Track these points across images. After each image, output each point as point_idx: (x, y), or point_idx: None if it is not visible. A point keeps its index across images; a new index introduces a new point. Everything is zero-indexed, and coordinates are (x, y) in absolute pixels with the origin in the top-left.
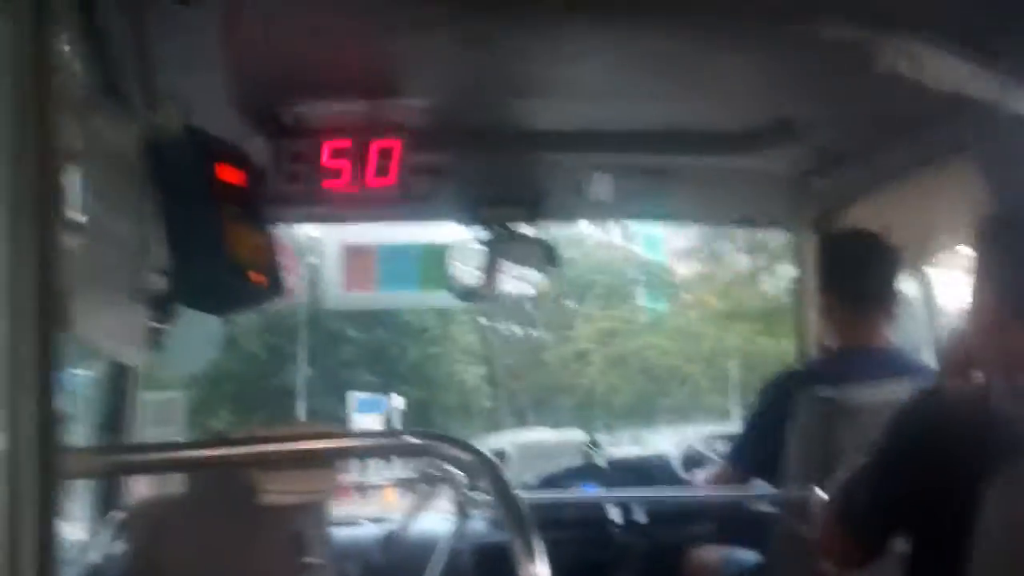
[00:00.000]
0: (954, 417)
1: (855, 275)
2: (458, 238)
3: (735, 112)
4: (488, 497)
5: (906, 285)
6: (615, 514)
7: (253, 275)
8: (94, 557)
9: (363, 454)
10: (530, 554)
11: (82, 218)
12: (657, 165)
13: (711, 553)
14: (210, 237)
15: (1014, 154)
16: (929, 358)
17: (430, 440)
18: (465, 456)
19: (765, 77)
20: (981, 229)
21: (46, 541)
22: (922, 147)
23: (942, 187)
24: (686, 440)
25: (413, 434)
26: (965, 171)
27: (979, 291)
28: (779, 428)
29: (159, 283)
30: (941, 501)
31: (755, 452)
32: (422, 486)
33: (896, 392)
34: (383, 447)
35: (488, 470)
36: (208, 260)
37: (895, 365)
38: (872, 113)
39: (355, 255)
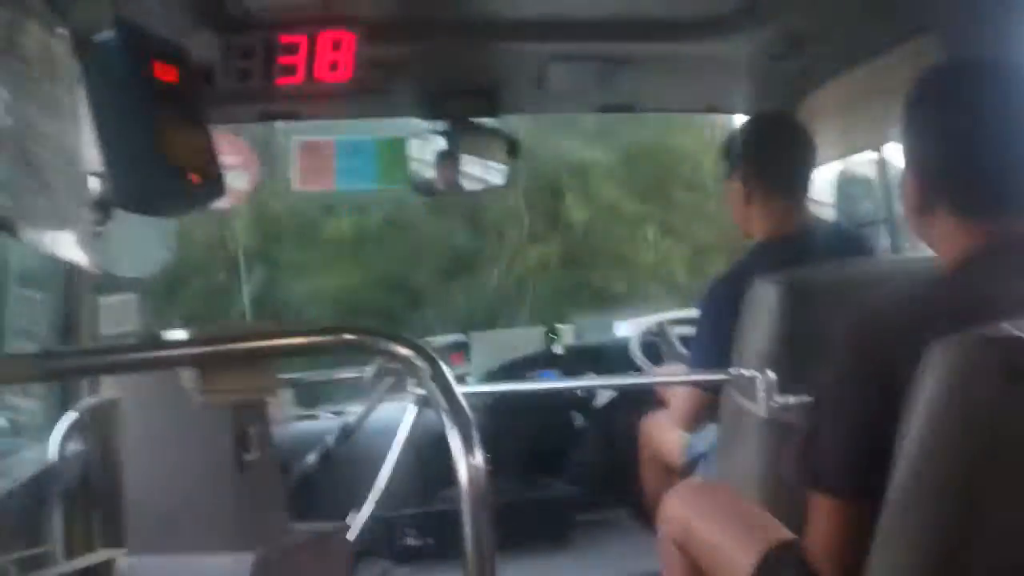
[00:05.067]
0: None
1: (785, 161)
2: (416, 131)
3: None
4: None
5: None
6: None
7: (192, 176)
8: (52, 455)
9: (302, 351)
10: (469, 447)
11: (9, 119)
12: (618, 54)
13: (670, 434)
14: (146, 139)
15: (975, 34)
16: (884, 239)
17: (371, 336)
18: (404, 351)
19: None
20: (903, 107)
21: None
22: (885, 28)
23: (904, 69)
24: (643, 324)
25: (354, 331)
26: (927, 52)
27: (905, 172)
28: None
29: (97, 186)
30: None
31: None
32: (378, 379)
33: (847, 272)
34: (322, 344)
35: (427, 363)
36: (144, 162)
37: (839, 245)
38: None
39: (311, 151)
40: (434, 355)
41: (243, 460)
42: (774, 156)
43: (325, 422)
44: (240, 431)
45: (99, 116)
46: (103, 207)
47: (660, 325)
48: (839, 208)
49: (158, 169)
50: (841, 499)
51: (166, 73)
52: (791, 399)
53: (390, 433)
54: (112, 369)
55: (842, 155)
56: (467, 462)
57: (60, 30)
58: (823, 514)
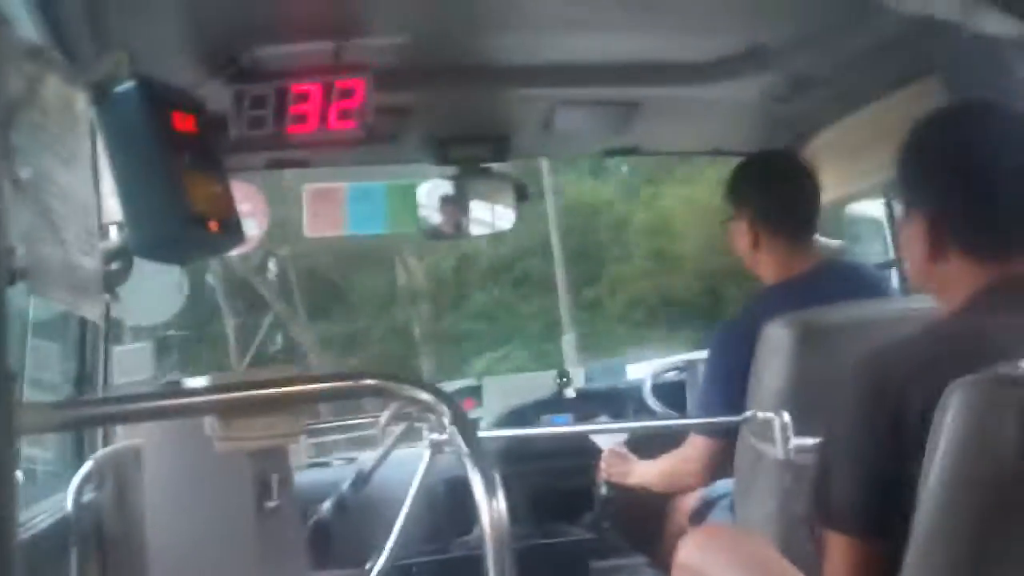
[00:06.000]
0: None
1: (791, 200)
2: (426, 177)
3: (706, 41)
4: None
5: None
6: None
7: (212, 224)
8: (67, 505)
9: (322, 397)
10: (492, 490)
11: (28, 172)
12: (626, 97)
13: (688, 497)
14: (168, 188)
15: (979, 75)
16: (891, 281)
17: (390, 382)
18: (424, 396)
19: (735, 3)
20: (902, 152)
21: (5, 495)
22: (889, 71)
23: (909, 110)
24: (657, 367)
25: (375, 376)
26: (930, 95)
27: (907, 216)
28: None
29: (113, 236)
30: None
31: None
32: (391, 426)
33: (860, 313)
34: (343, 390)
35: (447, 408)
36: (166, 211)
37: (852, 286)
38: (841, 36)
39: (322, 197)
40: (452, 399)
41: (264, 507)
42: (779, 196)
43: (338, 469)
44: (261, 478)
45: (118, 166)
46: (123, 257)
47: (690, 363)
48: (849, 249)
49: (179, 218)
50: (854, 537)
51: (184, 122)
52: (808, 440)
53: (404, 480)
54: (133, 417)
55: (848, 197)
56: (489, 505)
57: (77, 83)
58: (838, 552)
